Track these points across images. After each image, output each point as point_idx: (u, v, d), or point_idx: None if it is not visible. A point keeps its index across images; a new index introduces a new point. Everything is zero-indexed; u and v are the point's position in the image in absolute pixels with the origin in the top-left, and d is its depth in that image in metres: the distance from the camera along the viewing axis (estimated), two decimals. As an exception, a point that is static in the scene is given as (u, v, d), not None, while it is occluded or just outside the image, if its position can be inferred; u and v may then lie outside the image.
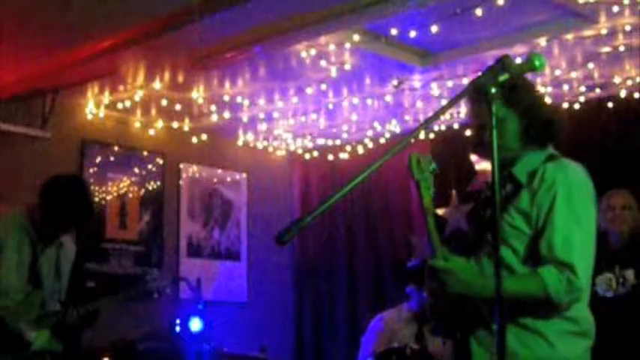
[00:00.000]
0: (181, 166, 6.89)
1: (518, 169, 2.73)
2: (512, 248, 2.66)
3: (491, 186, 2.09)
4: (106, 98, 5.91)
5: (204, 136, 6.81)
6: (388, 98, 5.92)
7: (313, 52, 4.99)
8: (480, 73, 2.14)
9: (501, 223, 2.65)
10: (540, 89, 5.65)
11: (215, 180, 7.13)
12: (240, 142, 7.12)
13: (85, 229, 4.14)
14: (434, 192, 2.63)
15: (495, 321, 2.07)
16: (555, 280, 2.52)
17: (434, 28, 4.62)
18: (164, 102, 5.90)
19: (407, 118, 6.44)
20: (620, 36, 4.82)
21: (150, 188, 6.62)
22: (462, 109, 6.03)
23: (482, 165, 4.53)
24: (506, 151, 2.73)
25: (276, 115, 6.34)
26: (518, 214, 2.66)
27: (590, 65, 5.27)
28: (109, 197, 6.33)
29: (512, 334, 2.60)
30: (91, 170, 6.25)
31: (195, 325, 5.85)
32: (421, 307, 5.46)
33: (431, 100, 5.97)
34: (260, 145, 7.32)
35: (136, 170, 6.55)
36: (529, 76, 5.73)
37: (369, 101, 6.02)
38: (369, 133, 6.82)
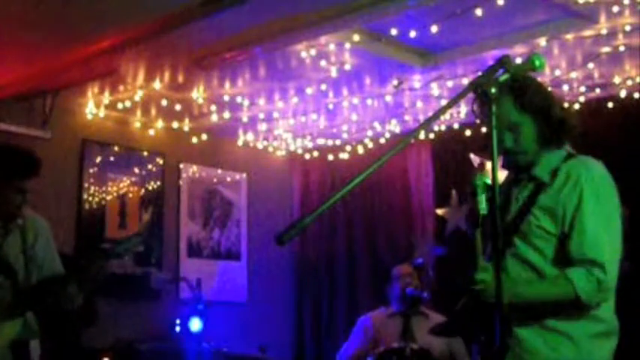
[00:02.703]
0: (181, 166, 6.89)
1: (539, 169, 2.74)
2: (537, 249, 2.67)
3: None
4: (106, 98, 5.91)
5: (204, 136, 6.81)
6: (388, 98, 5.92)
7: (313, 52, 4.98)
8: (480, 73, 2.14)
9: (525, 224, 2.66)
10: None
11: (215, 180, 7.13)
12: (240, 142, 7.12)
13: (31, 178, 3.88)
14: (486, 208, 2.64)
15: (513, 321, 2.08)
16: (584, 282, 2.53)
17: (434, 28, 4.62)
18: (164, 102, 5.90)
19: (407, 118, 6.43)
20: (620, 36, 4.81)
21: (150, 188, 6.62)
22: (462, 109, 6.03)
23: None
24: (525, 155, 2.75)
25: (276, 115, 6.34)
26: (543, 213, 2.66)
27: (590, 65, 5.26)
28: (109, 197, 6.33)
29: (539, 336, 2.61)
30: (91, 170, 6.25)
31: (195, 325, 5.85)
32: (404, 305, 5.47)
33: (431, 100, 5.97)
34: (260, 145, 7.32)
35: (136, 170, 6.55)
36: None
37: (369, 101, 6.02)
38: (369, 133, 6.82)
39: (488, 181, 2.67)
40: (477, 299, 2.64)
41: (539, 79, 5.49)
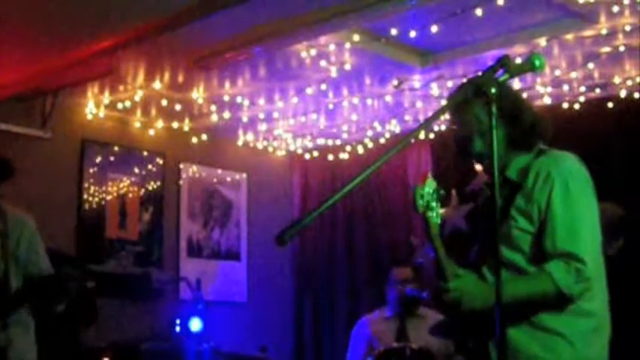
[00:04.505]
0: (181, 166, 6.89)
1: (510, 171, 2.74)
2: (518, 249, 2.66)
3: (490, 185, 2.09)
4: (106, 98, 5.91)
5: (204, 136, 6.81)
6: (388, 98, 5.92)
7: (313, 52, 4.98)
8: (479, 73, 2.14)
9: (507, 228, 2.65)
10: (540, 89, 5.66)
11: (215, 180, 7.13)
12: (240, 142, 7.12)
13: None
14: (440, 219, 2.62)
15: (505, 323, 2.07)
16: (563, 273, 2.53)
17: (434, 28, 4.62)
18: (164, 102, 5.90)
19: (407, 118, 6.43)
20: (620, 36, 4.81)
21: (150, 188, 6.62)
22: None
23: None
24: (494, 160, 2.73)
25: (276, 115, 6.34)
26: (520, 214, 2.65)
27: (590, 65, 5.26)
28: (109, 197, 6.33)
29: (534, 339, 2.60)
30: (91, 170, 6.25)
31: (195, 325, 5.85)
32: (400, 308, 5.48)
33: (431, 100, 5.97)
34: (260, 145, 7.32)
35: (136, 170, 6.55)
36: (529, 76, 5.76)
37: (369, 101, 6.02)
38: (369, 133, 6.82)
39: (433, 191, 2.63)
40: (453, 309, 2.63)
41: (539, 79, 5.55)
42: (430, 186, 2.60)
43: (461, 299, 2.57)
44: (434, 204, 2.57)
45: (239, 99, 5.92)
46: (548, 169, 2.65)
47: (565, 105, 5.89)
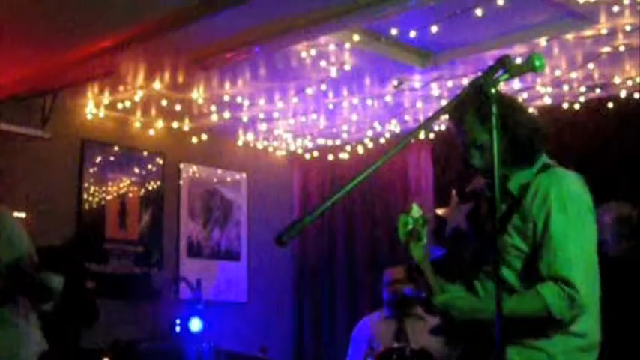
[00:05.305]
0: (181, 166, 6.89)
1: (512, 184, 2.69)
2: (511, 266, 2.63)
3: (491, 187, 2.08)
4: (106, 98, 5.91)
5: (204, 136, 6.81)
6: (388, 98, 5.92)
7: (313, 52, 4.98)
8: (479, 73, 2.14)
9: (503, 243, 2.62)
10: (540, 89, 5.66)
11: (215, 180, 7.13)
12: (240, 142, 7.11)
13: None
14: (425, 242, 2.65)
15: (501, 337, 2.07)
16: (556, 298, 2.50)
17: (434, 28, 4.62)
18: (164, 102, 5.90)
19: (407, 118, 6.43)
20: (620, 36, 4.81)
21: (150, 188, 6.62)
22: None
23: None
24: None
25: (276, 115, 6.34)
26: (516, 232, 2.62)
27: (590, 65, 5.26)
28: (109, 197, 6.33)
29: (517, 353, 2.57)
30: (91, 170, 6.25)
31: (195, 325, 5.86)
32: (394, 309, 5.48)
33: (431, 100, 5.96)
34: (260, 145, 7.32)
35: (136, 170, 6.55)
36: (529, 76, 5.75)
37: (369, 101, 6.02)
38: (369, 133, 6.82)
39: (418, 218, 2.66)
40: (446, 318, 2.63)
41: (539, 79, 5.54)
42: (415, 213, 2.64)
43: (447, 313, 2.60)
44: (419, 230, 2.62)
45: (239, 99, 5.92)
46: (547, 190, 2.60)
47: (565, 105, 5.89)
